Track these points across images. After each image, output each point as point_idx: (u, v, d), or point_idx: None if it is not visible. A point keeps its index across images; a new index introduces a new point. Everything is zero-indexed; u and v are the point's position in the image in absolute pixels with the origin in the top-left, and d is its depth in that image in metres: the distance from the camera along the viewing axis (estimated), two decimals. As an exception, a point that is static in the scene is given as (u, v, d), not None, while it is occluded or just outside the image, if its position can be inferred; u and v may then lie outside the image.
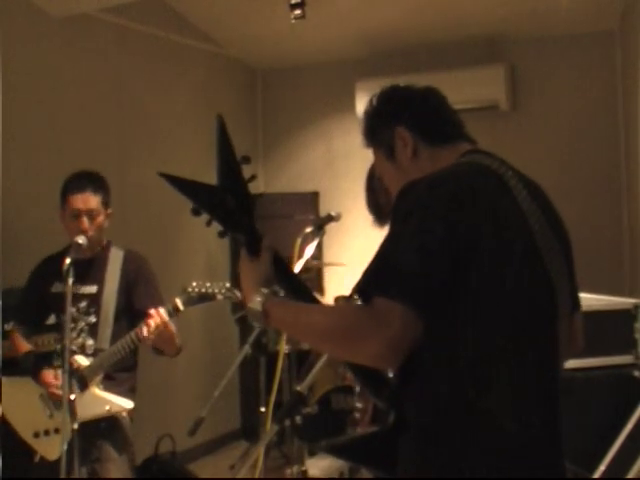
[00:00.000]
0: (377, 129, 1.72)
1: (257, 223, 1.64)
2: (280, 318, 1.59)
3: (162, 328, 2.83)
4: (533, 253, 1.51)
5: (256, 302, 1.60)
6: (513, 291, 1.46)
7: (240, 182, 1.58)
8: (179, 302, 2.89)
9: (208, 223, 1.58)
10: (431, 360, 1.44)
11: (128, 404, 2.94)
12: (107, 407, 2.90)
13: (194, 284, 2.92)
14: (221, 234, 1.63)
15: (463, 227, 1.42)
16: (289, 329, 1.73)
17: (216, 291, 2.94)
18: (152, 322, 2.81)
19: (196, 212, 1.57)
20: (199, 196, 1.55)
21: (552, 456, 1.51)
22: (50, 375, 2.93)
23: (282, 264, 1.70)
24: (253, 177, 1.60)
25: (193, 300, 2.91)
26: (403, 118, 1.68)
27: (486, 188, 1.50)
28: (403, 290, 1.37)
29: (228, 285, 2.98)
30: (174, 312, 2.87)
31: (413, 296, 1.37)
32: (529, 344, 1.49)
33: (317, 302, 1.69)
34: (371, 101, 1.75)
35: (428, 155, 1.67)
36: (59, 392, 2.87)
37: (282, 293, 1.68)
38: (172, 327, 2.89)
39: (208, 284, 2.94)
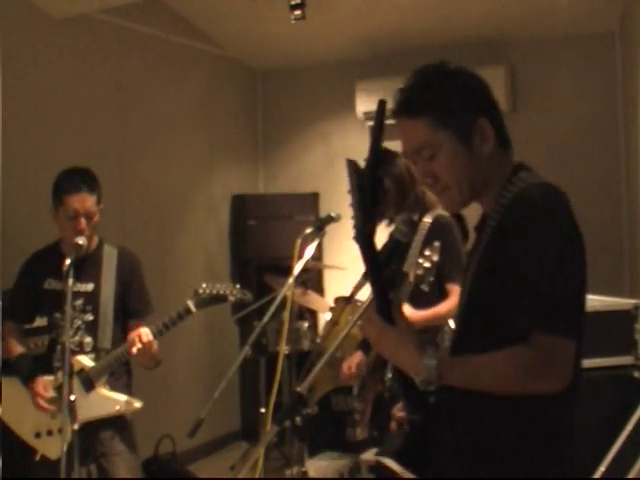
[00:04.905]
0: (456, 111, 1.57)
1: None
2: (457, 379, 1.49)
3: (147, 347, 2.85)
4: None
5: (430, 368, 1.46)
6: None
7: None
8: (191, 304, 2.89)
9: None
10: None
11: (137, 403, 2.94)
12: (117, 407, 2.91)
13: (204, 285, 2.92)
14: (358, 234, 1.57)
15: (581, 247, 1.47)
16: (466, 386, 1.53)
17: (227, 292, 2.94)
18: (138, 342, 2.83)
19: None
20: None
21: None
22: (40, 385, 2.91)
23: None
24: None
25: (205, 302, 2.91)
26: (485, 110, 1.60)
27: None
28: (570, 326, 1.41)
29: (239, 286, 2.98)
30: (164, 330, 2.88)
31: (576, 329, 1.43)
32: None
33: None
34: (429, 73, 1.71)
35: (498, 156, 1.60)
36: (45, 405, 2.88)
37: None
38: (155, 346, 2.89)
39: (218, 285, 2.94)
